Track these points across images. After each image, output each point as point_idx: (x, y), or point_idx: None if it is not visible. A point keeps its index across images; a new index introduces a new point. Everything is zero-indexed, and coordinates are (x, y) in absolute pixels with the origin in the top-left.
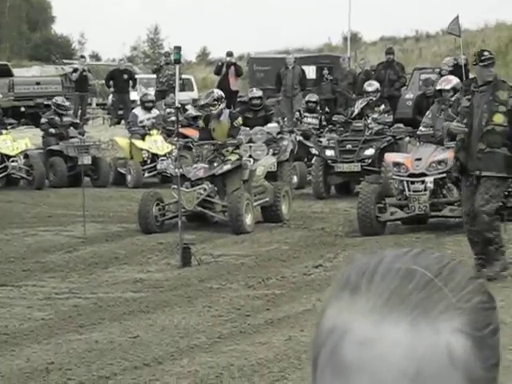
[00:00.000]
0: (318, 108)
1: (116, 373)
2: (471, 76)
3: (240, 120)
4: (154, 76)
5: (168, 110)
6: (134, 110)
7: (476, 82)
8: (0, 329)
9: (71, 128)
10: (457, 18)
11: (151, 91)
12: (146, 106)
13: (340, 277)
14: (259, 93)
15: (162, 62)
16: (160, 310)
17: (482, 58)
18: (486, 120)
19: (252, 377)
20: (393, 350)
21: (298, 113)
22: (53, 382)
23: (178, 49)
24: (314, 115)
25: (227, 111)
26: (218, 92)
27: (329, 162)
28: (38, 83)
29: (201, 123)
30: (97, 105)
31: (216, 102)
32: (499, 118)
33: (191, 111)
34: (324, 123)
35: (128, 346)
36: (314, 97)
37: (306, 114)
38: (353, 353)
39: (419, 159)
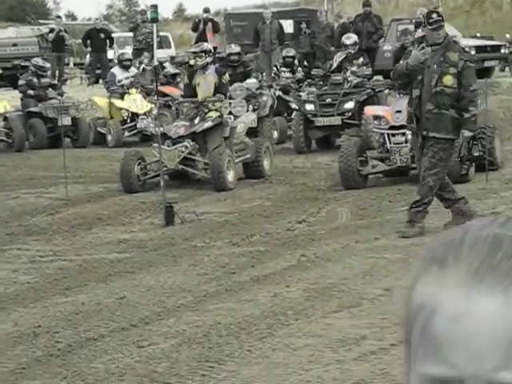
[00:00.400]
0: (296, 62)
1: (104, 334)
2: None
3: (227, 76)
4: (131, 34)
5: (143, 67)
6: (112, 70)
7: (427, 41)
8: None
9: (50, 89)
10: None
11: (128, 50)
12: (124, 64)
13: (426, 251)
14: (237, 48)
15: (139, 20)
16: (145, 270)
17: (430, 20)
18: (435, 81)
19: (239, 334)
20: (485, 321)
21: (275, 68)
22: (40, 345)
23: (154, 7)
24: (292, 69)
25: (213, 66)
26: (208, 45)
27: (309, 116)
28: (14, 44)
29: (185, 79)
30: (74, 64)
31: (203, 54)
32: (449, 80)
33: (169, 69)
34: (302, 77)
35: (115, 308)
36: (290, 51)
37: (284, 69)
38: (444, 328)
39: (399, 111)
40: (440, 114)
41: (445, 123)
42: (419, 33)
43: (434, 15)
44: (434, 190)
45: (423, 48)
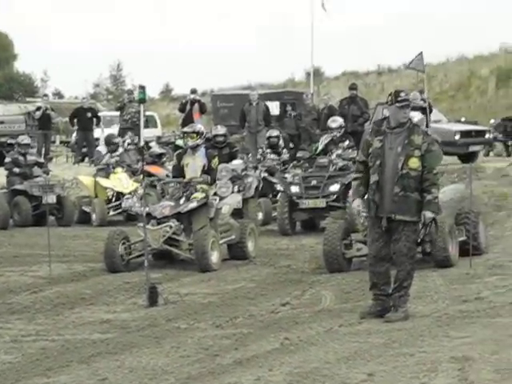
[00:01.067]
0: (281, 143)
1: None
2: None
3: (216, 161)
4: (118, 114)
5: (126, 147)
6: (98, 148)
7: (388, 123)
8: None
9: (35, 167)
10: (421, 54)
11: (115, 129)
12: (112, 147)
13: None
14: (223, 130)
15: (126, 99)
16: (128, 351)
17: (399, 98)
18: (401, 164)
19: None
20: None
21: (260, 149)
22: None
23: (142, 88)
24: (278, 150)
25: (203, 149)
26: (201, 127)
27: (294, 198)
28: (1, 122)
29: (174, 160)
30: (60, 142)
31: (195, 135)
32: (414, 163)
33: (155, 148)
34: (287, 158)
35: None
36: (274, 132)
37: (269, 150)
38: None
39: None
40: (406, 196)
41: (410, 206)
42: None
43: (402, 94)
44: (412, 273)
45: (377, 132)
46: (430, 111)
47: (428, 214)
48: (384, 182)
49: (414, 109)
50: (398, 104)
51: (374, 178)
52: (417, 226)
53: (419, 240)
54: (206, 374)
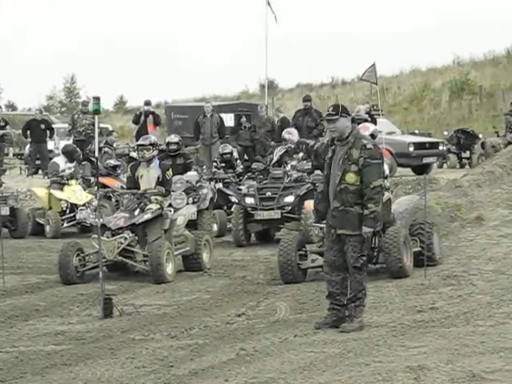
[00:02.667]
0: (235, 155)
1: None
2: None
3: (171, 172)
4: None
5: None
6: (54, 159)
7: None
8: None
9: None
10: (373, 65)
11: (69, 141)
12: (74, 157)
13: None
14: (176, 138)
15: (79, 112)
16: (82, 363)
17: (326, 113)
18: (339, 178)
19: None
20: None
21: (214, 163)
22: None
23: (97, 99)
24: (231, 165)
25: (157, 160)
26: (155, 138)
27: (249, 209)
28: None
29: (128, 171)
30: (14, 155)
31: (151, 147)
32: (351, 178)
33: (110, 160)
34: (242, 170)
35: None
36: (227, 148)
37: (222, 165)
38: None
39: None
40: (345, 211)
41: (350, 220)
42: (364, 127)
43: (331, 108)
44: (364, 283)
45: (332, 141)
46: (375, 124)
47: (365, 229)
48: (330, 193)
49: (358, 122)
50: (327, 117)
51: (321, 187)
52: (362, 237)
53: (371, 251)
54: None
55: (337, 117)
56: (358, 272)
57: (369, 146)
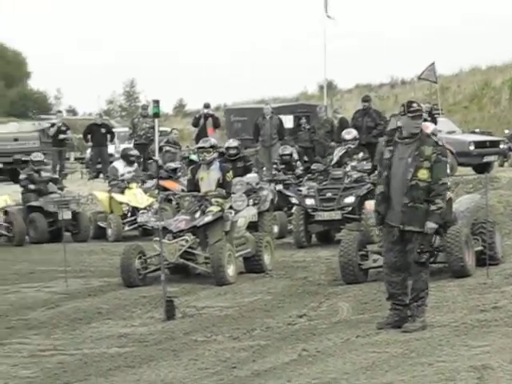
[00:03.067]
0: (295, 157)
1: None
2: (399, 124)
3: (231, 174)
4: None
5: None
6: (113, 164)
7: (400, 133)
8: None
9: (50, 183)
10: (432, 64)
11: (130, 145)
12: (130, 160)
13: None
14: (235, 143)
15: (139, 116)
16: (146, 365)
17: (411, 109)
18: (411, 175)
19: None
20: None
21: (274, 165)
22: None
23: (156, 103)
24: (290, 166)
25: (217, 163)
26: (215, 141)
27: (309, 210)
28: (15, 139)
29: (188, 174)
30: (75, 159)
31: (211, 149)
32: (423, 174)
33: (170, 163)
34: (301, 172)
35: None
36: (287, 149)
37: (282, 167)
38: None
39: None
40: (415, 207)
41: (419, 216)
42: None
43: (415, 105)
44: (428, 282)
45: (388, 142)
46: (435, 123)
47: (430, 225)
48: (392, 193)
49: None
50: (409, 114)
51: (380, 189)
52: (430, 235)
53: (435, 250)
54: None
55: (422, 113)
56: (424, 270)
57: (440, 143)
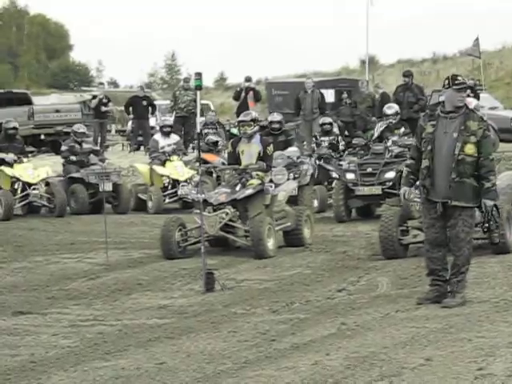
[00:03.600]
0: (334, 130)
1: None
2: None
3: (271, 148)
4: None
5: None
6: (154, 136)
7: (443, 107)
8: (26, 357)
9: (91, 155)
10: (477, 39)
11: (170, 117)
12: (165, 131)
13: None
14: (279, 117)
15: (180, 88)
16: (185, 336)
17: (456, 81)
18: (458, 149)
19: None
20: None
21: (314, 138)
22: None
23: (199, 75)
24: (331, 137)
25: (258, 136)
26: (256, 114)
27: (349, 185)
28: (57, 111)
29: (229, 147)
30: (116, 131)
31: (252, 123)
32: (470, 149)
33: (211, 136)
34: (342, 144)
35: (155, 373)
36: (327, 119)
37: (323, 138)
38: None
39: None
40: (461, 182)
41: (466, 191)
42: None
43: (460, 78)
44: (470, 259)
45: (430, 116)
46: (477, 99)
47: (488, 202)
48: (436, 167)
49: None
50: (455, 87)
51: (425, 163)
52: (473, 211)
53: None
54: (264, 359)
55: (467, 86)
56: (467, 246)
57: (485, 118)
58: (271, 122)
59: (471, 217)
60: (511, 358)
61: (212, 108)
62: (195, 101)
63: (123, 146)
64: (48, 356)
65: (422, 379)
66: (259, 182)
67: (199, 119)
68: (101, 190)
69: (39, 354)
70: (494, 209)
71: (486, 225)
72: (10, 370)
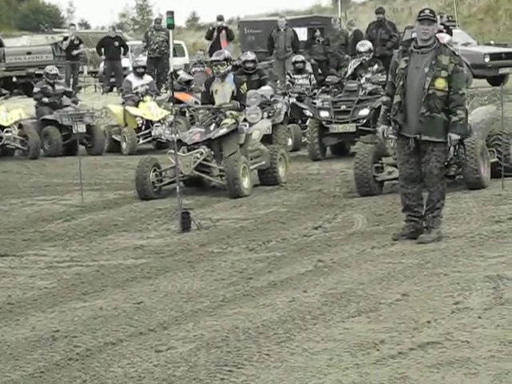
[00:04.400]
0: (307, 68)
1: (122, 339)
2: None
3: (245, 86)
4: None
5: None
6: (127, 77)
7: (416, 42)
8: (3, 298)
9: (64, 97)
10: None
11: (143, 57)
12: (138, 71)
13: None
14: (252, 56)
15: (152, 29)
16: (162, 276)
17: (421, 14)
18: (428, 84)
19: (258, 339)
20: None
21: (288, 76)
22: (59, 349)
23: (171, 14)
24: (304, 75)
25: (231, 75)
26: (228, 53)
27: (323, 123)
28: (28, 53)
29: (202, 87)
30: (88, 73)
31: (225, 62)
32: (440, 83)
33: (183, 75)
34: (314, 82)
35: (132, 312)
36: (299, 57)
37: (296, 76)
38: None
39: None
40: (432, 117)
41: (436, 126)
42: (439, 37)
43: (427, 11)
44: (444, 194)
45: (403, 52)
46: (450, 35)
47: (454, 136)
48: (408, 103)
49: None
50: (419, 18)
51: (397, 99)
52: (446, 146)
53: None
54: (241, 297)
55: (434, 19)
56: (441, 182)
57: (457, 53)
58: (245, 62)
59: (444, 152)
60: (487, 292)
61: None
62: (167, 41)
63: (96, 87)
64: (25, 297)
65: (399, 314)
66: (233, 121)
67: (172, 59)
68: (74, 131)
69: (16, 296)
70: (460, 143)
71: (450, 159)
72: None
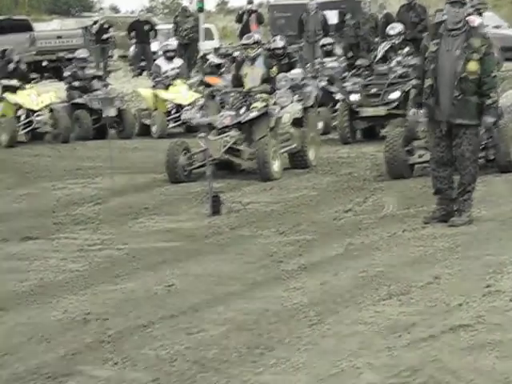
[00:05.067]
0: (336, 51)
1: (153, 321)
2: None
3: (275, 69)
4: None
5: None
6: (156, 61)
7: (446, 25)
8: (35, 281)
9: (94, 80)
10: None
11: (173, 41)
12: (168, 55)
13: None
14: (282, 43)
15: (181, 15)
16: (193, 259)
17: None
18: (460, 67)
19: (289, 322)
20: None
21: (316, 60)
22: (91, 331)
23: None
24: (333, 58)
25: (261, 58)
26: (258, 36)
27: (354, 106)
28: (59, 37)
29: (232, 69)
30: (118, 57)
31: (255, 45)
32: (473, 66)
33: (213, 59)
34: (343, 65)
35: (164, 295)
36: (327, 39)
37: (326, 59)
38: None
39: None
40: (465, 100)
41: (469, 109)
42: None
43: None
44: (476, 177)
45: (433, 35)
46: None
47: (488, 119)
48: (440, 86)
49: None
50: (449, 1)
51: (428, 82)
52: (478, 129)
53: (482, 146)
54: (272, 280)
55: (465, 2)
56: (472, 165)
57: (487, 36)
58: (274, 49)
59: (476, 135)
60: None
61: (214, 32)
62: (196, 27)
63: (126, 71)
64: (57, 280)
65: (431, 297)
66: (264, 104)
67: (202, 43)
68: (104, 115)
69: (48, 279)
70: (494, 126)
71: (486, 143)
72: (19, 294)
